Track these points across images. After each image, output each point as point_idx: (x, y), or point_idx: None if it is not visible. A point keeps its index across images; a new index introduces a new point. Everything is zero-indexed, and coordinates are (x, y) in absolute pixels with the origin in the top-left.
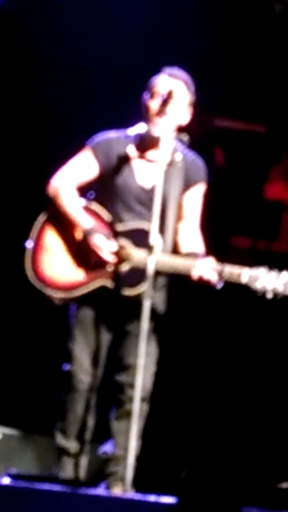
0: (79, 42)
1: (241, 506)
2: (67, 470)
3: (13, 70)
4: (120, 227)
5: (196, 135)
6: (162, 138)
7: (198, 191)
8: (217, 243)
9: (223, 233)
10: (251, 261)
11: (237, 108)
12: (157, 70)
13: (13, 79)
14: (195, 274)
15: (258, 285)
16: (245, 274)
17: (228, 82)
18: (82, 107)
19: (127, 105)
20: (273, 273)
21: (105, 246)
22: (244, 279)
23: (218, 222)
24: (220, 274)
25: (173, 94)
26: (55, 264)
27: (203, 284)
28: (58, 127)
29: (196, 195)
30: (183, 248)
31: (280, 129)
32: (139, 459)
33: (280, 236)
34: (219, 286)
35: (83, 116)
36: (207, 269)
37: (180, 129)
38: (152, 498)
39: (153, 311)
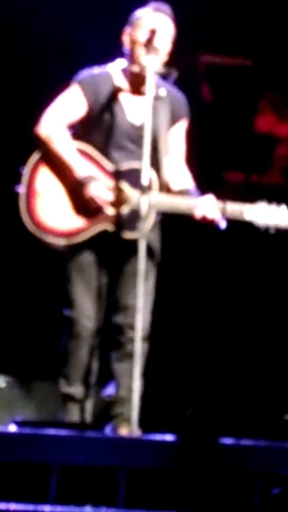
0: None
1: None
2: (72, 415)
3: None
4: (114, 168)
5: (182, 72)
6: (149, 73)
7: (182, 126)
8: (210, 179)
9: (215, 168)
10: (244, 195)
11: (222, 43)
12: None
13: None
14: (198, 213)
15: (260, 221)
16: (248, 211)
17: (212, 16)
18: (63, 42)
19: (104, 40)
20: (273, 207)
21: (102, 194)
22: (247, 216)
23: (210, 158)
24: (223, 211)
25: (156, 31)
26: (52, 209)
27: (206, 224)
28: (40, 63)
29: (181, 130)
30: (172, 185)
31: (266, 61)
32: (143, 398)
33: (272, 168)
34: (223, 225)
35: (65, 52)
36: (210, 207)
37: (166, 64)
38: (158, 437)
39: (149, 250)
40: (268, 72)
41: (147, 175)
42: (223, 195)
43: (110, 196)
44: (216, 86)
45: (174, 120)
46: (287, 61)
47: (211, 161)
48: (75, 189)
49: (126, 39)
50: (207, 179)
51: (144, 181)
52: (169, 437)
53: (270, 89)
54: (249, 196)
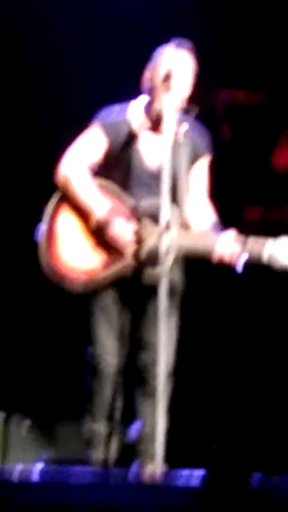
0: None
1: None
2: (98, 453)
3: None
4: (136, 205)
5: (201, 110)
6: (167, 112)
7: (204, 163)
8: (229, 217)
9: (234, 206)
10: (263, 233)
11: (239, 80)
12: (158, 43)
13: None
14: (217, 251)
15: (281, 258)
16: (269, 246)
17: (229, 53)
18: (85, 81)
19: (129, 77)
20: None
21: (125, 232)
22: (267, 251)
23: (229, 195)
24: (244, 245)
25: (175, 69)
26: (73, 251)
27: (224, 264)
28: (63, 103)
29: (203, 167)
30: (194, 223)
31: (283, 97)
32: (169, 435)
33: None
34: (240, 267)
35: (87, 92)
36: (229, 244)
37: (188, 101)
38: (184, 476)
39: (171, 287)
40: (285, 108)
41: (167, 213)
42: (242, 232)
43: (132, 233)
44: (235, 124)
45: (196, 157)
46: None
47: (230, 198)
48: (96, 229)
49: (147, 76)
50: (226, 216)
51: (164, 219)
52: (196, 476)
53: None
54: (267, 233)
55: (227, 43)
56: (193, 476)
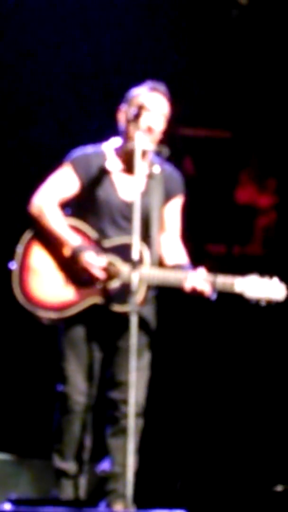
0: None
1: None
2: (66, 492)
3: None
4: (106, 243)
5: (165, 145)
6: (139, 151)
7: (177, 203)
8: (192, 251)
9: (198, 240)
10: (227, 267)
11: (201, 116)
12: (128, 82)
13: None
14: (187, 286)
15: (251, 294)
16: (238, 284)
17: (190, 90)
18: (55, 123)
19: (101, 120)
20: (265, 280)
21: (96, 263)
22: (237, 289)
23: (192, 230)
24: (213, 285)
25: (146, 107)
26: (44, 284)
27: (196, 296)
28: (35, 146)
29: (176, 207)
30: (167, 260)
31: (245, 134)
32: (138, 474)
33: (254, 239)
34: (214, 297)
35: (56, 132)
36: (199, 280)
37: (160, 142)
38: None
39: (143, 325)
40: (247, 144)
41: (137, 250)
42: (205, 267)
43: (103, 264)
44: (197, 158)
45: (168, 197)
46: (266, 133)
47: (193, 233)
48: (67, 262)
49: (120, 116)
50: (190, 251)
51: (135, 255)
52: None
53: (250, 161)
54: (231, 267)
55: (192, 80)
56: None
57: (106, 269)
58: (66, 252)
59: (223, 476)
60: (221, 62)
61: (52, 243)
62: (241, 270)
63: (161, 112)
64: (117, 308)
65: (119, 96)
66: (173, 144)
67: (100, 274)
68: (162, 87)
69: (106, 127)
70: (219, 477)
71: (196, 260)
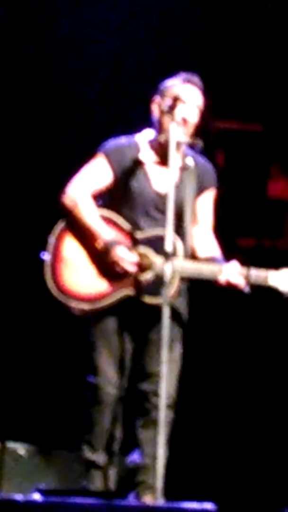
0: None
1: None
2: (96, 483)
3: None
4: (140, 235)
5: (198, 137)
6: (173, 143)
7: (210, 195)
8: (223, 244)
9: (228, 234)
10: (257, 261)
11: (232, 109)
12: (161, 74)
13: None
14: (222, 278)
15: (285, 288)
16: (272, 277)
17: (223, 83)
18: (90, 113)
19: (133, 110)
20: None
21: (127, 257)
22: (271, 282)
23: (223, 223)
24: (247, 278)
25: (181, 99)
26: (76, 275)
27: (230, 289)
28: (68, 134)
29: (208, 199)
30: (199, 253)
31: (277, 126)
32: (167, 466)
33: (285, 233)
34: (247, 290)
35: (91, 123)
36: (233, 273)
37: (194, 134)
38: (186, 505)
39: (175, 317)
40: (279, 137)
41: (171, 241)
42: (236, 260)
43: (134, 259)
44: (228, 151)
45: (201, 189)
46: None
47: (224, 227)
48: (100, 254)
49: (154, 108)
50: (220, 244)
51: (168, 247)
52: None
53: (281, 154)
54: (261, 262)
55: (225, 73)
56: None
57: (138, 263)
58: (98, 245)
59: (253, 468)
60: (255, 55)
61: (84, 235)
62: (271, 264)
63: (195, 103)
64: (150, 300)
65: (151, 88)
66: (206, 137)
67: (131, 268)
68: (195, 78)
69: (139, 119)
70: (248, 469)
71: (226, 253)
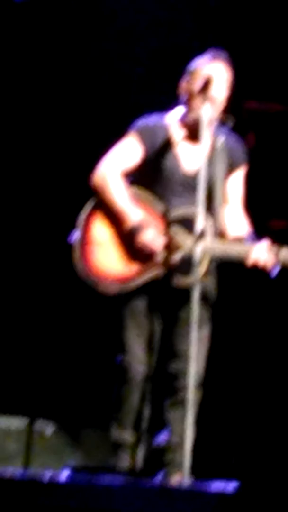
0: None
1: None
2: (124, 461)
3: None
4: (170, 215)
5: (229, 115)
6: (205, 121)
7: (240, 174)
8: (254, 227)
9: (259, 215)
10: None
11: (263, 90)
12: (190, 53)
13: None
14: (251, 258)
15: None
16: None
17: (253, 64)
18: (119, 92)
19: (163, 88)
20: None
21: (154, 241)
22: None
23: (254, 205)
24: (277, 256)
25: (212, 79)
26: (106, 256)
27: (258, 269)
28: (98, 113)
29: (239, 178)
30: (230, 232)
31: None
32: (196, 446)
33: None
34: (275, 272)
35: (121, 101)
36: (264, 251)
37: (224, 111)
38: (211, 485)
39: (204, 297)
40: None
41: (202, 221)
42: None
43: (162, 242)
44: (260, 132)
45: (232, 168)
46: None
47: (255, 208)
48: (128, 236)
49: (183, 88)
50: (252, 226)
51: (198, 227)
52: (220, 487)
53: None
54: None
55: (257, 54)
56: (223, 486)
57: (167, 244)
58: (127, 226)
59: (278, 448)
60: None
61: (114, 215)
62: None
63: (224, 79)
64: (179, 280)
65: (180, 69)
66: (239, 117)
67: (158, 252)
68: (223, 54)
69: (169, 97)
70: (274, 449)
71: (257, 235)
